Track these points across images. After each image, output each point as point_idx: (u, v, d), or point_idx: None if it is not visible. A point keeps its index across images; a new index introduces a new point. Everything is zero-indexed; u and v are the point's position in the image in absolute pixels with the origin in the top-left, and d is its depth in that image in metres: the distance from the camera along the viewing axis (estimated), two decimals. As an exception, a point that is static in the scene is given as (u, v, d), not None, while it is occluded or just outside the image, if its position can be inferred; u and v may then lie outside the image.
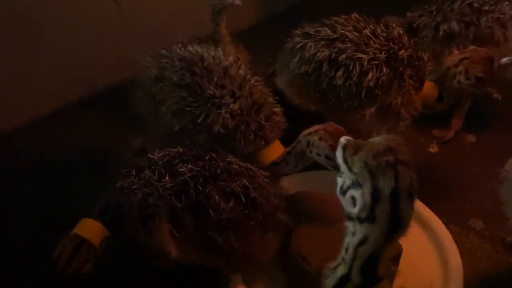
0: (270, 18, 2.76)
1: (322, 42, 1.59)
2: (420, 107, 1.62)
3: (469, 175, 1.83)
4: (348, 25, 1.60)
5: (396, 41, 1.57)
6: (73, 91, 2.16)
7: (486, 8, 1.77)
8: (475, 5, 1.78)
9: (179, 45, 1.60)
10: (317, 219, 1.49)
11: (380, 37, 1.56)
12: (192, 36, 1.94)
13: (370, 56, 1.53)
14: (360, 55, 1.53)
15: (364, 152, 0.84)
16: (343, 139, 0.92)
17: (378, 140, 0.86)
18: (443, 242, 1.52)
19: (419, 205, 1.63)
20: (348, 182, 0.86)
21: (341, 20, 1.63)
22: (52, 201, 1.75)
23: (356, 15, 1.65)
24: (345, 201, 0.88)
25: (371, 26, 1.59)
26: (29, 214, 1.72)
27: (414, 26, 1.86)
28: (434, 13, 1.83)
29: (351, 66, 1.53)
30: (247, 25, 2.58)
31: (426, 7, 1.88)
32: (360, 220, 0.85)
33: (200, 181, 1.23)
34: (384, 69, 1.52)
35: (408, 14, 1.93)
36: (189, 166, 1.24)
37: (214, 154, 1.31)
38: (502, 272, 1.51)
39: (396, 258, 1.35)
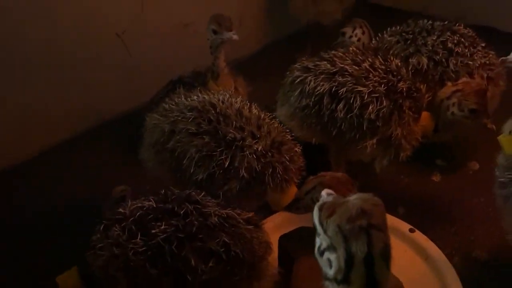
0: (269, 48, 2.79)
1: (322, 76, 1.63)
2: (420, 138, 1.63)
3: (473, 204, 1.81)
4: (347, 58, 1.64)
5: (395, 73, 1.61)
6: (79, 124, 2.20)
7: (459, 50, 1.79)
8: (449, 44, 1.80)
9: (183, 97, 1.61)
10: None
11: (379, 70, 1.59)
12: (192, 69, 2.00)
13: (370, 89, 1.56)
14: (360, 88, 1.56)
15: (337, 215, 0.83)
16: (323, 196, 0.91)
17: (353, 202, 0.84)
18: (446, 276, 1.50)
19: (421, 238, 1.62)
20: (324, 244, 0.85)
21: (340, 54, 1.68)
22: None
23: (354, 48, 1.69)
24: (322, 262, 0.86)
25: (370, 59, 1.63)
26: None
27: (390, 53, 1.87)
28: (409, 42, 1.86)
29: (352, 99, 1.56)
30: (246, 55, 2.61)
31: (404, 34, 1.90)
32: (337, 281, 0.84)
33: (175, 244, 1.16)
34: (385, 101, 1.56)
35: (386, 36, 1.95)
36: (163, 227, 1.18)
37: (190, 206, 1.24)
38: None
39: (397, 295, 1.33)
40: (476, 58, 1.78)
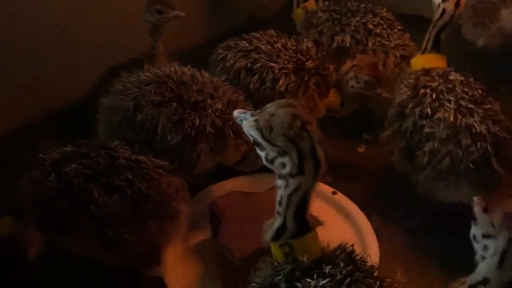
0: (210, 40, 2.90)
1: (240, 54, 1.83)
2: (327, 111, 1.90)
3: (392, 171, 1.97)
4: (263, 39, 1.85)
5: (304, 53, 1.83)
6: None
7: (378, 31, 1.98)
8: (369, 25, 1.99)
9: (134, 75, 1.69)
10: (245, 216, 1.64)
11: (290, 50, 1.82)
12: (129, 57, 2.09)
13: (281, 66, 1.78)
14: (272, 64, 1.79)
15: (278, 127, 1.01)
16: (241, 116, 1.09)
17: (280, 112, 1.02)
18: (363, 231, 1.67)
19: (343, 199, 1.79)
20: (272, 154, 1.03)
21: (258, 35, 1.88)
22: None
23: (272, 31, 1.89)
24: (275, 167, 1.05)
25: (283, 40, 1.85)
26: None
27: (319, 29, 2.07)
28: (336, 21, 2.04)
29: (264, 73, 1.79)
30: (191, 46, 2.68)
31: (333, 13, 2.08)
32: (292, 175, 1.02)
33: (81, 179, 1.32)
34: (292, 76, 1.78)
35: (318, 11, 2.14)
36: (73, 166, 1.34)
37: (103, 151, 1.39)
38: (418, 255, 1.65)
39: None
40: (391, 39, 1.98)
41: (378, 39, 1.97)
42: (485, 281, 0.99)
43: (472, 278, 1.01)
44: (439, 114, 1.52)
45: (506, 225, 0.96)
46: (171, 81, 1.62)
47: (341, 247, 1.13)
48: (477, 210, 1.02)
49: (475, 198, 1.04)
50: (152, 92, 1.60)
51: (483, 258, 0.99)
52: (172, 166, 1.46)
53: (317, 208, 1.78)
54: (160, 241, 1.41)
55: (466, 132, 1.47)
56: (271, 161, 1.05)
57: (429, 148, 1.53)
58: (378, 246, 1.63)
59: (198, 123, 1.56)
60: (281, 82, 1.78)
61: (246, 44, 1.85)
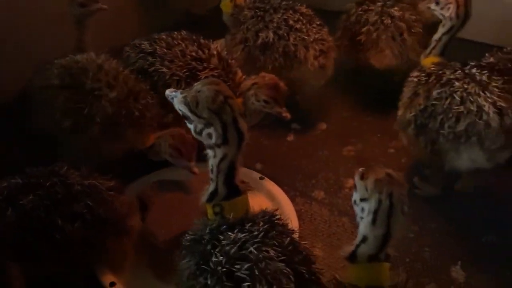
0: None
1: (140, 55, 1.92)
2: None
3: (318, 157, 2.14)
4: (163, 42, 1.92)
5: (202, 61, 1.87)
6: None
7: (298, 26, 2.09)
8: (290, 21, 2.10)
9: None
10: (171, 203, 1.76)
11: (188, 56, 1.86)
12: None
13: (172, 72, 1.84)
14: (164, 69, 1.85)
15: (203, 101, 1.14)
16: (172, 94, 1.23)
17: (205, 88, 1.16)
18: (286, 212, 1.78)
19: (269, 183, 1.92)
20: (200, 126, 1.16)
21: (164, 36, 1.95)
22: None
23: (183, 33, 1.96)
24: (203, 138, 1.17)
25: (184, 45, 1.89)
26: None
27: (245, 26, 2.16)
28: (259, 18, 2.15)
29: (156, 77, 1.86)
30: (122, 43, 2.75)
31: (257, 10, 2.19)
32: (218, 145, 1.15)
33: (41, 210, 1.36)
34: (183, 84, 1.82)
35: (245, 8, 2.24)
36: (30, 197, 1.36)
37: (55, 179, 1.42)
38: (335, 231, 1.80)
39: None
40: (311, 34, 2.10)
41: (299, 34, 2.08)
42: (364, 239, 1.13)
43: (356, 240, 1.15)
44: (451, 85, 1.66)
45: (376, 189, 1.10)
46: (75, 66, 1.74)
47: (264, 211, 1.25)
48: (356, 178, 1.16)
49: (359, 170, 1.19)
50: (55, 75, 1.74)
51: (362, 219, 1.13)
52: (118, 184, 1.54)
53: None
54: (117, 254, 1.51)
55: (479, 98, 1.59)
56: (199, 133, 1.18)
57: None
58: (300, 225, 1.77)
59: (88, 110, 1.66)
60: (171, 88, 1.81)
61: (147, 46, 1.92)
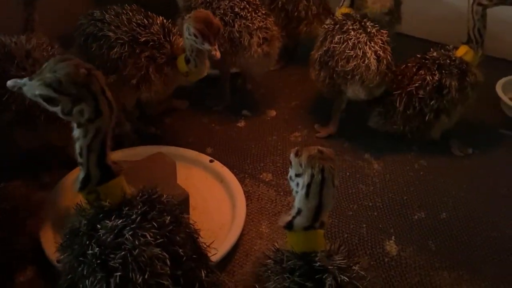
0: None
1: (92, 22, 1.99)
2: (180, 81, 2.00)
3: (267, 142, 2.24)
4: (113, 11, 2.00)
5: (143, 28, 1.93)
6: None
7: (243, 13, 2.17)
8: (236, 9, 2.18)
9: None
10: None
11: (133, 24, 1.94)
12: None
13: (117, 36, 1.92)
14: (110, 33, 1.93)
15: (67, 77, 1.11)
16: (34, 83, 1.15)
17: (61, 65, 1.12)
18: (234, 192, 1.88)
19: (218, 166, 2.00)
20: (68, 105, 1.12)
21: (114, 7, 2.02)
22: None
23: (133, 6, 2.01)
24: (73, 117, 1.13)
25: (131, 14, 1.97)
26: None
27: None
28: (208, 5, 2.20)
29: (102, 41, 1.94)
30: None
31: None
32: (91, 120, 1.13)
33: None
34: (126, 47, 1.90)
35: None
36: None
37: None
38: (280, 210, 1.90)
39: (184, 202, 1.68)
40: (255, 22, 2.17)
41: (244, 21, 2.16)
42: (299, 211, 1.20)
43: (292, 211, 1.25)
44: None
45: (309, 164, 1.19)
46: (2, 50, 1.72)
47: (143, 190, 1.22)
48: (291, 155, 1.24)
49: (293, 150, 1.25)
50: None
51: (296, 193, 1.23)
52: None
53: (196, 174, 2.01)
54: None
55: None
56: (68, 113, 1.12)
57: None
58: (248, 205, 1.86)
59: (7, 97, 1.65)
60: (115, 50, 1.89)
61: (98, 14, 2.00)
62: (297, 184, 1.21)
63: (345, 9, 2.26)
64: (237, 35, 2.16)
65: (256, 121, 2.37)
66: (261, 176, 2.06)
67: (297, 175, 1.21)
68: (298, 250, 1.23)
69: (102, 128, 1.15)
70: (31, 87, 1.14)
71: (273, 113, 2.42)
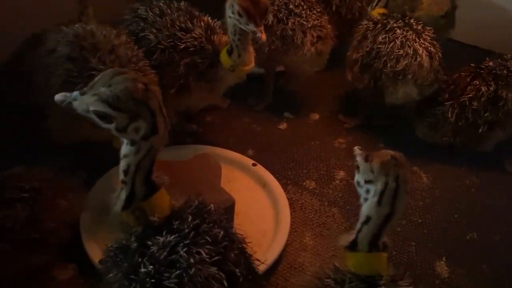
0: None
1: (135, 19, 1.89)
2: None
3: (309, 147, 2.15)
4: (157, 10, 1.87)
5: (184, 33, 1.79)
6: None
7: (297, 11, 2.08)
8: (290, 6, 2.08)
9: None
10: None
11: (176, 27, 1.81)
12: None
13: (158, 40, 1.80)
14: (151, 37, 1.81)
15: (125, 93, 1.02)
16: (88, 98, 1.06)
17: (118, 79, 1.03)
18: (278, 199, 1.81)
19: (261, 170, 1.92)
20: (123, 122, 1.03)
21: (160, 4, 1.90)
22: None
23: (181, 4, 1.89)
24: (127, 134, 1.05)
25: (176, 15, 1.83)
26: None
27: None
28: None
29: (142, 42, 1.83)
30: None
31: None
32: (146, 137, 1.05)
33: None
34: (166, 54, 1.79)
35: None
36: None
37: None
38: (324, 221, 1.82)
39: (229, 209, 1.60)
40: (310, 20, 2.08)
41: (298, 19, 2.07)
42: (367, 219, 1.12)
43: (358, 223, 1.17)
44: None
45: (383, 172, 1.10)
46: (90, 40, 1.61)
47: (189, 201, 1.16)
48: (359, 159, 1.15)
49: (355, 148, 1.18)
50: (68, 43, 1.62)
51: (366, 200, 1.14)
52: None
53: (239, 178, 1.94)
54: None
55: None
56: (123, 130, 1.04)
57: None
58: (291, 213, 1.77)
59: (81, 87, 1.58)
60: (155, 56, 1.79)
61: (143, 11, 1.89)
62: (367, 191, 1.13)
63: (381, 10, 2.16)
64: (290, 33, 2.06)
65: (298, 124, 2.28)
66: (304, 183, 1.97)
67: (367, 182, 1.13)
68: (363, 273, 1.15)
69: (155, 146, 1.07)
70: (83, 102, 1.06)
71: (316, 116, 2.33)
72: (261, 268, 1.41)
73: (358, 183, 1.16)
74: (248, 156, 2.01)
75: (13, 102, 1.90)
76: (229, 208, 1.59)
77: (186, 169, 1.72)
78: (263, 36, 1.63)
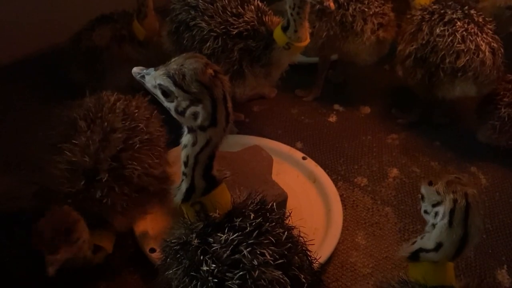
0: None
1: (185, 7, 1.81)
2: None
3: (361, 141, 2.07)
4: None
5: (235, 18, 1.73)
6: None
7: None
8: None
9: None
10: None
11: (228, 12, 1.74)
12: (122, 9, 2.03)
13: (211, 28, 1.73)
14: (203, 24, 1.75)
15: (192, 73, 0.99)
16: (157, 72, 1.04)
17: (191, 61, 1.01)
18: (329, 195, 1.74)
19: (312, 164, 1.85)
20: (184, 103, 1.00)
21: None
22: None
23: None
24: (185, 119, 1.02)
25: (226, 1, 1.75)
26: None
27: None
28: None
29: (195, 31, 1.77)
30: None
31: None
32: (204, 127, 1.01)
33: None
34: (220, 41, 1.73)
35: None
36: None
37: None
38: (377, 221, 1.74)
39: (282, 204, 1.54)
40: (371, 7, 1.97)
41: (359, 5, 1.97)
42: (438, 246, 1.05)
43: (422, 243, 1.08)
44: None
45: (449, 189, 1.03)
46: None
47: (251, 197, 1.11)
48: (423, 187, 1.10)
49: (423, 182, 1.11)
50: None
51: (433, 226, 1.06)
52: None
53: (288, 171, 1.88)
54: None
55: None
56: (182, 112, 1.01)
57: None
58: (342, 211, 1.71)
59: None
60: (208, 44, 1.73)
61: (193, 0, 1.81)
62: (436, 214, 1.06)
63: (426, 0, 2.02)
64: (350, 19, 1.96)
65: (349, 117, 2.19)
66: (355, 180, 1.89)
67: (434, 205, 1.06)
68: (431, 284, 1.07)
69: (213, 139, 1.03)
70: (153, 77, 1.04)
71: (367, 109, 2.23)
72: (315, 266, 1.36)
73: (425, 211, 1.10)
74: (297, 149, 1.95)
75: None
76: (281, 203, 1.53)
77: (238, 160, 1.66)
78: (331, 4, 1.60)
